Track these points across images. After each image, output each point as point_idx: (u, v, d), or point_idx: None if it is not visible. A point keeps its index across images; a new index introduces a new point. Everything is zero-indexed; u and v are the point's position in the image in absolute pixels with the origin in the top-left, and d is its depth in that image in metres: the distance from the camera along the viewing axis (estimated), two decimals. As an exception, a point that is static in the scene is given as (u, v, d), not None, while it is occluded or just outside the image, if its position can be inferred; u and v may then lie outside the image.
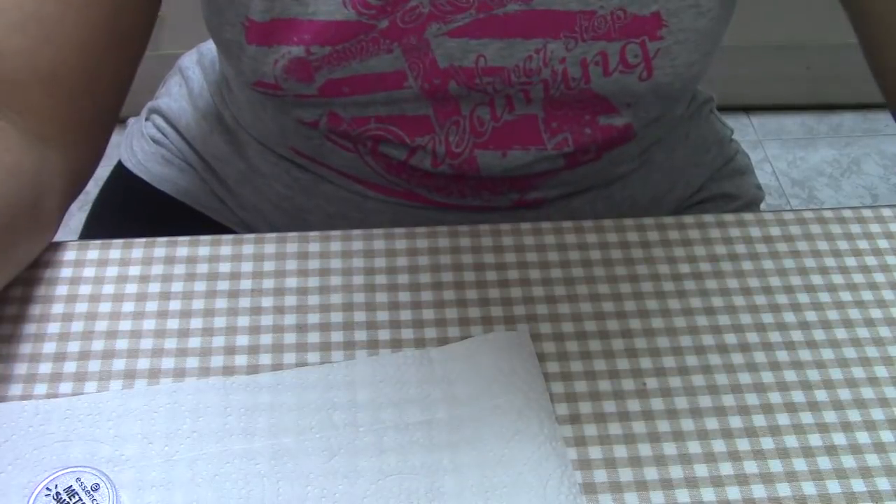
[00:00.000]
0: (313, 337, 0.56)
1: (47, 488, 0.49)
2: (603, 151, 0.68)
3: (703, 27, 0.62)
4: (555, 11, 0.60)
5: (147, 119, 0.85)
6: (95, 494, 0.49)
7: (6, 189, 0.51)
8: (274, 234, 0.61)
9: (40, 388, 0.53)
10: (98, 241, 0.60)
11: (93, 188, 0.80)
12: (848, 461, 0.52)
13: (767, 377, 0.56)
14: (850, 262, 0.62)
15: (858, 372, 0.56)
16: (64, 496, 0.48)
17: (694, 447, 0.52)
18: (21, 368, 0.54)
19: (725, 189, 0.83)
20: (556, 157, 0.67)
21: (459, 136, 0.65)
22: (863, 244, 0.63)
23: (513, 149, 0.66)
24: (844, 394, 0.55)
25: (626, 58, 0.62)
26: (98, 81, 0.56)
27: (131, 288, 0.58)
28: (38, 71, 0.52)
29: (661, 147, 0.75)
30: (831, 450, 0.53)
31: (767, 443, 0.53)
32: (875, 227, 0.64)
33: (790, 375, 0.56)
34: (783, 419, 0.54)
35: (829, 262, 0.62)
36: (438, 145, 0.66)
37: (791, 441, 0.53)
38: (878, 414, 0.54)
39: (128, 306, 0.57)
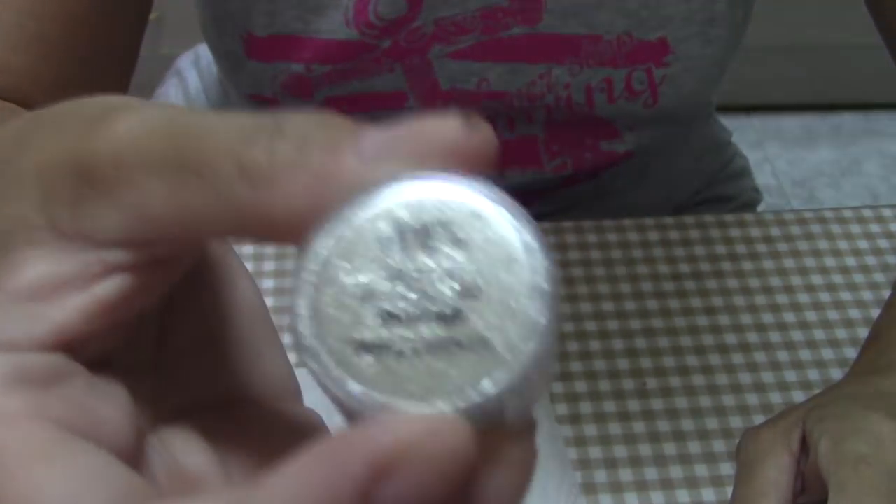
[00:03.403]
0: (313, 337, 0.56)
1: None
2: (602, 171, 0.68)
3: (711, 55, 0.60)
4: (561, 36, 0.59)
5: (146, 119, 0.84)
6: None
7: None
8: (274, 235, 0.61)
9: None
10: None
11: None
12: (848, 461, 0.52)
13: (768, 377, 0.56)
14: (850, 262, 0.62)
15: (858, 372, 0.56)
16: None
17: (694, 447, 0.52)
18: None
19: (722, 192, 0.83)
20: (555, 178, 0.67)
21: None
22: (863, 244, 0.63)
23: (511, 168, 0.66)
24: (844, 394, 0.55)
25: (631, 85, 0.61)
26: (100, 89, 0.57)
27: (131, 288, 0.58)
28: (40, 84, 0.53)
29: (661, 156, 0.75)
30: (831, 450, 0.53)
31: (767, 443, 0.53)
32: (875, 227, 0.64)
33: (790, 375, 0.56)
34: (783, 419, 0.54)
35: (829, 262, 0.62)
36: None
37: (791, 441, 0.53)
38: (878, 414, 0.54)
39: (127, 307, 0.57)
